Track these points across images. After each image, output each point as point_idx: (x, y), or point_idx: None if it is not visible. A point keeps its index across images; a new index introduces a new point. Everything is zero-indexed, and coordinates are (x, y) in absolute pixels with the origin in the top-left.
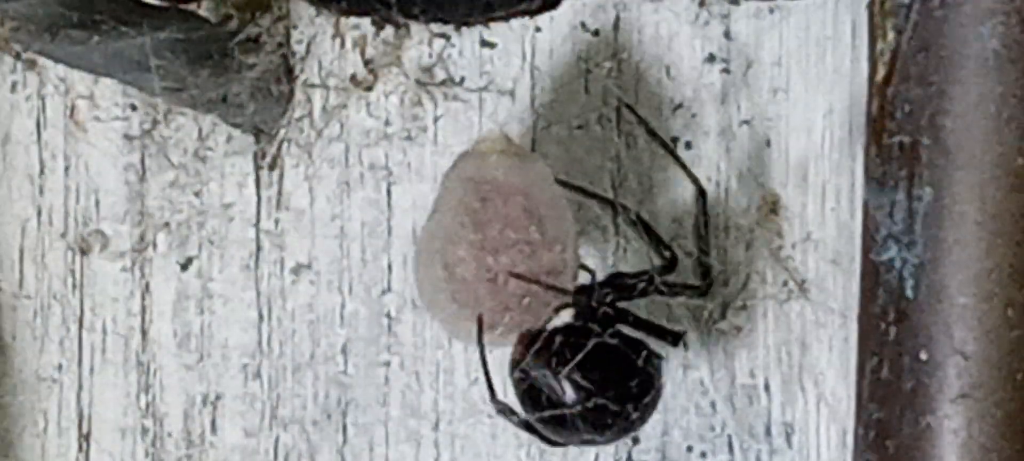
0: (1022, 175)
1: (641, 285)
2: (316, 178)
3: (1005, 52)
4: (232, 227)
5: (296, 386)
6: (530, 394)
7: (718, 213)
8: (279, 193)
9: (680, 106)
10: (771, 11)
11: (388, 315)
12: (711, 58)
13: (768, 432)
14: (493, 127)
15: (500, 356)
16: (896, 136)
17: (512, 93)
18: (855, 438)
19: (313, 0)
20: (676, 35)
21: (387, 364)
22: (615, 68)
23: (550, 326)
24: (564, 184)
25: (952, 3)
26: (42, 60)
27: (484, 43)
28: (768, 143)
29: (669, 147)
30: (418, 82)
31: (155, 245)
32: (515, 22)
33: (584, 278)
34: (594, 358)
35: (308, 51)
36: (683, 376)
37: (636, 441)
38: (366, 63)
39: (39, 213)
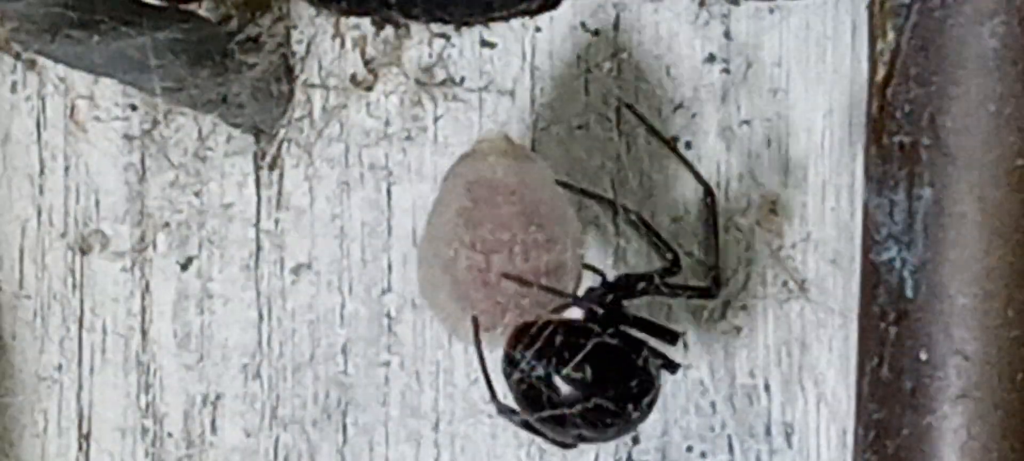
0: (1022, 175)
1: (645, 286)
2: (316, 178)
3: (1005, 52)
4: (232, 227)
5: (296, 386)
6: (525, 392)
7: (718, 213)
8: (279, 193)
9: (680, 106)
10: (771, 11)
11: (388, 315)
12: (711, 58)
13: (768, 432)
14: (493, 127)
15: (499, 356)
16: (896, 136)
17: (512, 93)
18: (855, 438)
19: (313, 0)
20: (676, 35)
21: (387, 364)
22: (615, 68)
23: (543, 319)
24: (564, 184)
25: (952, 3)
26: (42, 60)
27: (484, 43)
28: (768, 143)
29: (674, 148)
30: (418, 82)
31: (155, 245)
32: (515, 22)
33: (589, 279)
34: (594, 358)
35: (308, 51)
36: (683, 376)
37: (636, 441)
38: (366, 63)
39: (39, 213)
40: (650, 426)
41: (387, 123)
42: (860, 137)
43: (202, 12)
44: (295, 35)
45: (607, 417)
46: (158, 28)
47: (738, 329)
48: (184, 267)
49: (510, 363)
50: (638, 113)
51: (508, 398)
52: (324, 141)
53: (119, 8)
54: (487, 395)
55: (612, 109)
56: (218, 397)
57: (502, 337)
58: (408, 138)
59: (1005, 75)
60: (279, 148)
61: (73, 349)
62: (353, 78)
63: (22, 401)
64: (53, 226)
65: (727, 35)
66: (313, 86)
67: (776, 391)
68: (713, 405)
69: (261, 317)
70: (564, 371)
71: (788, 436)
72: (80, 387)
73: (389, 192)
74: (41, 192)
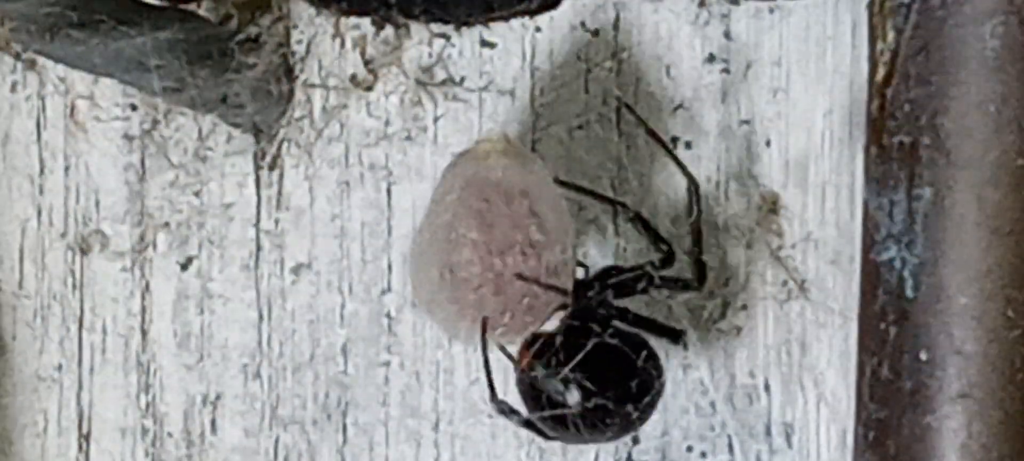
0: (1022, 175)
1: (635, 279)
2: (316, 178)
3: (1005, 52)
4: (232, 227)
5: (296, 386)
6: (535, 396)
7: (718, 213)
8: (279, 193)
9: (680, 106)
10: (771, 11)
11: (388, 315)
12: (711, 58)
13: (768, 432)
14: (493, 127)
15: (500, 356)
16: (896, 136)
17: (512, 93)
18: (855, 438)
19: (313, 0)
20: (676, 35)
21: (387, 364)
22: (615, 68)
23: (549, 327)
24: (564, 184)
25: (952, 3)
26: (42, 60)
27: (484, 43)
28: (768, 143)
29: (662, 141)
30: (418, 82)
31: (155, 245)
32: (515, 22)
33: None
34: (594, 358)
35: (308, 51)
36: (683, 376)
37: (636, 441)
38: (366, 63)
39: (39, 213)
40: (650, 426)
41: (387, 123)
42: (860, 137)
43: (202, 12)
44: (295, 35)
45: (608, 417)
46: (158, 28)
47: (738, 329)
48: (184, 267)
49: (526, 375)
50: (628, 106)
51: (508, 397)
52: (324, 141)
53: (119, 8)
54: (487, 395)
55: (612, 109)
56: (218, 397)
57: (502, 337)
58: (408, 138)
59: (1005, 75)
60: (279, 148)
61: (73, 349)
62: (353, 78)
63: (22, 401)
64: (53, 226)
65: (727, 35)
66: (313, 86)
67: (776, 391)
68: (713, 405)
69: (261, 317)
70: (564, 372)
71: (788, 436)
72: (80, 387)
73: (389, 192)
74: (41, 192)
